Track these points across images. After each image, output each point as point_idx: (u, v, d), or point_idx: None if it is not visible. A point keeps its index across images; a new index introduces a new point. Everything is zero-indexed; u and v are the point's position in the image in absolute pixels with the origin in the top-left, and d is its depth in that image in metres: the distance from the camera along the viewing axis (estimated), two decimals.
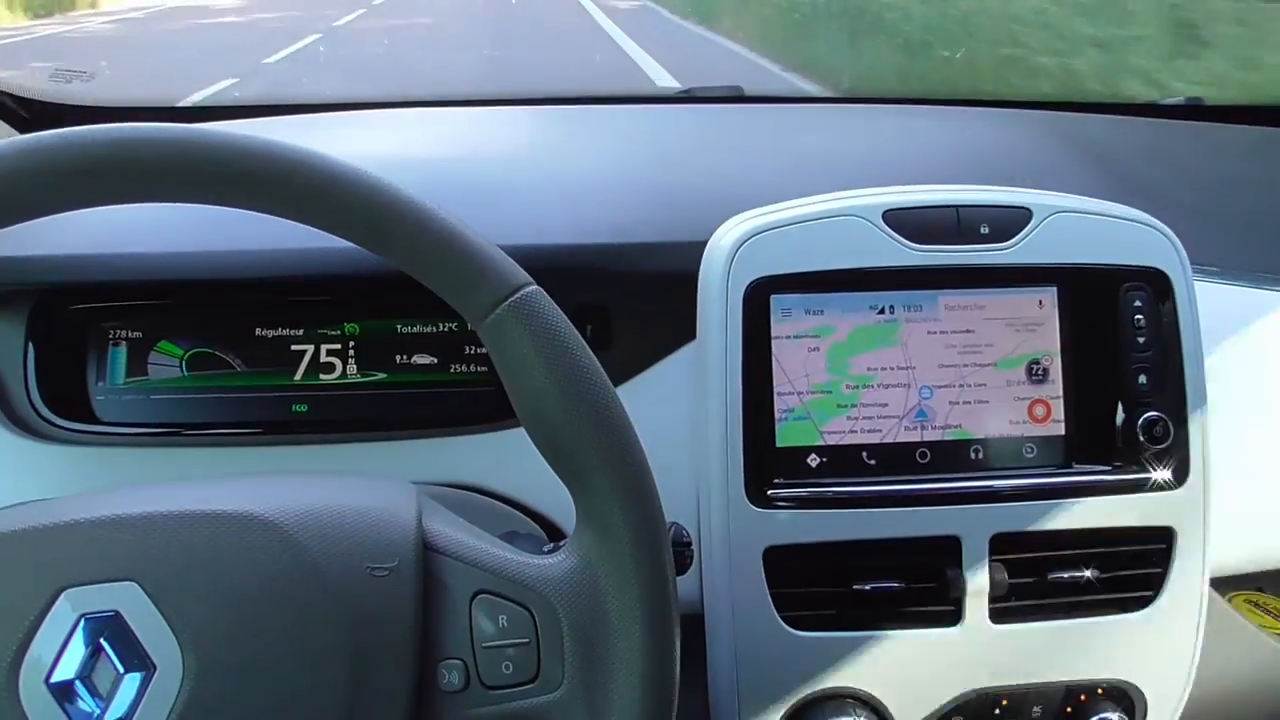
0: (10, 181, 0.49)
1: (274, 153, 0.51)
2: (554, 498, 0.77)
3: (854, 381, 0.77)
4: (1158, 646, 0.79)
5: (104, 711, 0.46)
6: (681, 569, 0.57)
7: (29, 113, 1.11)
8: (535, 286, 0.53)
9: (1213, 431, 0.78)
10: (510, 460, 0.79)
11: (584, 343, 0.53)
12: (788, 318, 0.77)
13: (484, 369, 0.86)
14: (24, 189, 0.49)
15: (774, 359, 0.76)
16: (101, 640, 0.47)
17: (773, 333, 0.76)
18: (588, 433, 0.52)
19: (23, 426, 0.80)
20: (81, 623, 0.47)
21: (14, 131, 1.09)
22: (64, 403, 0.82)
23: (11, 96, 1.11)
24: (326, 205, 0.52)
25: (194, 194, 0.52)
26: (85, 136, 0.49)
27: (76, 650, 0.47)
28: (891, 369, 0.78)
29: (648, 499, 0.53)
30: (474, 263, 0.52)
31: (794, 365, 0.77)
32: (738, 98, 1.30)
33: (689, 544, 0.62)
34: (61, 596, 0.47)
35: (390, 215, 0.52)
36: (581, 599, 0.53)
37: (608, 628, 0.52)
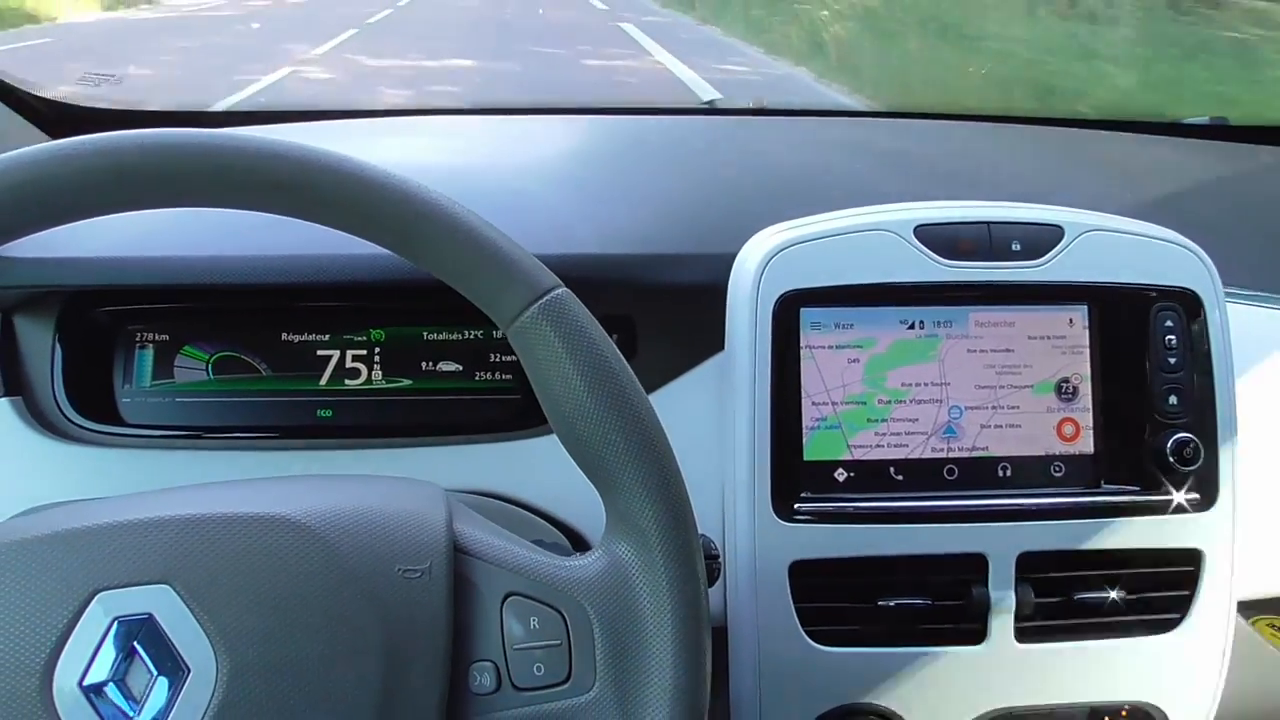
0: (43, 187, 0.49)
1: (304, 157, 0.51)
2: (578, 507, 0.77)
3: (888, 396, 0.77)
4: (1183, 669, 0.79)
5: (138, 714, 0.46)
6: (710, 582, 0.57)
7: (57, 116, 1.11)
8: (564, 289, 0.53)
9: (1242, 454, 0.78)
10: (534, 469, 0.79)
11: (614, 345, 0.53)
12: (821, 330, 0.76)
13: (509, 377, 0.86)
14: (57, 194, 0.49)
15: (815, 366, 0.76)
16: (135, 643, 0.47)
17: (812, 342, 0.76)
18: (618, 434, 0.52)
19: (50, 427, 0.80)
20: (114, 625, 0.47)
21: (43, 134, 1.09)
22: (91, 404, 0.82)
23: (40, 99, 1.11)
24: (355, 208, 0.52)
25: (224, 199, 0.52)
26: (117, 143, 0.50)
27: (109, 653, 0.46)
28: (925, 385, 0.77)
29: (679, 501, 0.53)
30: (503, 265, 0.52)
31: (832, 375, 0.76)
32: (762, 110, 1.30)
33: (716, 556, 0.61)
34: (95, 599, 0.47)
35: (419, 218, 0.52)
36: (613, 601, 0.52)
37: (640, 630, 0.52)
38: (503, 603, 0.53)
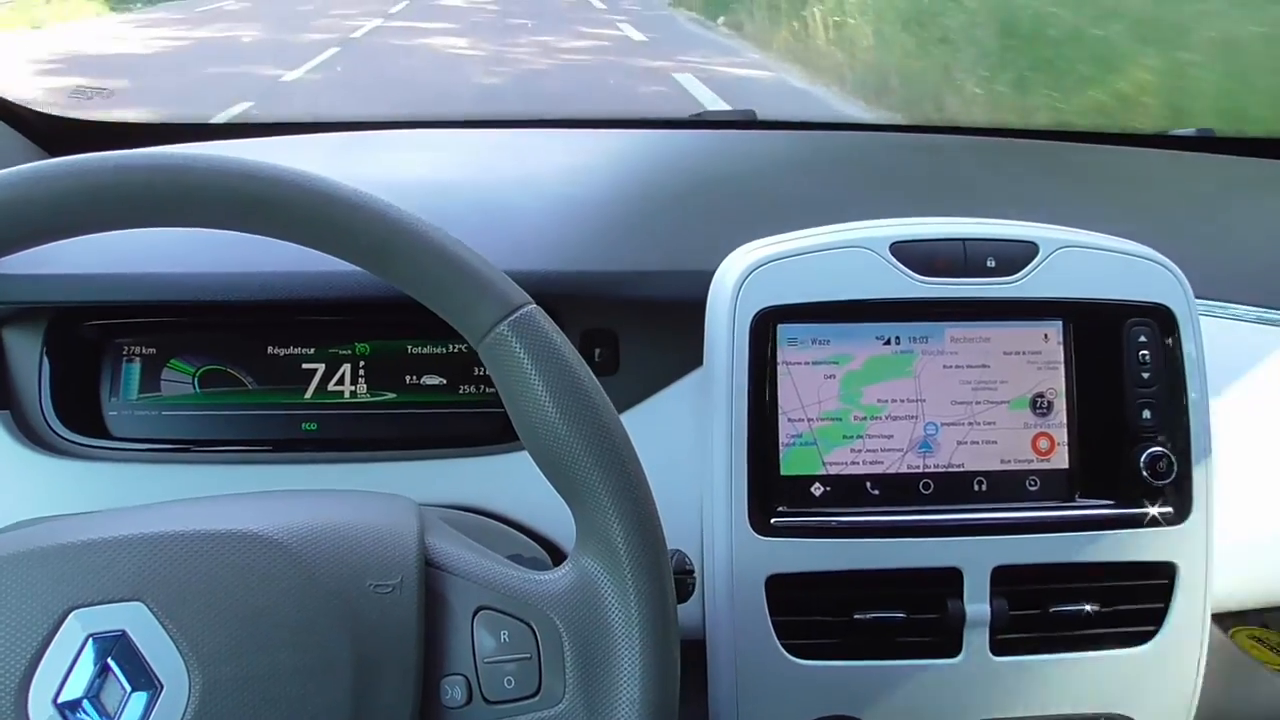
0: (17, 209, 0.50)
1: (276, 176, 0.52)
2: (558, 521, 0.77)
3: (863, 412, 0.78)
4: (1159, 681, 0.79)
5: None
6: (683, 597, 0.57)
7: (50, 129, 1.12)
8: (534, 306, 0.54)
9: (1217, 467, 0.79)
10: (517, 483, 0.80)
11: (583, 361, 0.54)
12: (797, 346, 0.77)
13: (492, 391, 0.86)
14: (31, 217, 0.50)
15: (791, 382, 0.77)
16: (109, 660, 0.47)
17: (788, 358, 0.77)
18: (587, 449, 0.52)
19: (37, 441, 0.81)
20: (89, 642, 0.48)
21: (36, 147, 1.10)
22: (78, 418, 0.83)
23: (32, 113, 1.12)
24: (327, 228, 0.52)
25: (196, 219, 0.52)
26: (91, 164, 0.50)
27: (84, 669, 0.47)
28: (901, 401, 0.78)
29: (647, 515, 0.53)
30: (472, 282, 0.53)
31: (808, 391, 0.77)
32: (750, 123, 1.30)
33: (691, 571, 0.62)
34: (70, 616, 0.48)
35: (390, 236, 0.53)
36: (582, 615, 0.53)
37: (609, 643, 0.53)
38: (473, 616, 0.53)
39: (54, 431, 0.82)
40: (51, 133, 1.12)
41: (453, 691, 0.53)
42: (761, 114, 1.29)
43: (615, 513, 0.53)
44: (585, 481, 0.53)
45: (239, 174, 0.51)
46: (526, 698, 0.53)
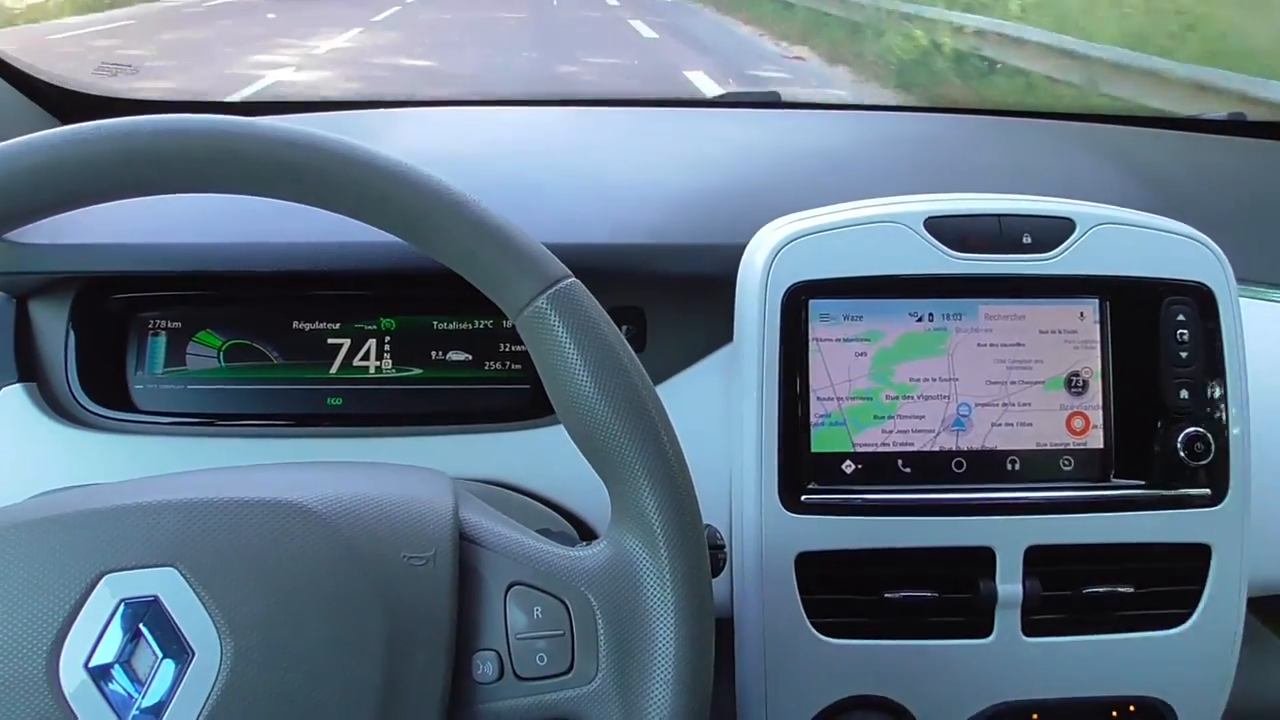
0: (56, 171, 0.50)
1: (316, 143, 0.51)
2: (586, 496, 0.78)
3: (895, 391, 0.77)
4: (1192, 663, 0.78)
5: (143, 696, 0.46)
6: (715, 572, 0.57)
7: (72, 103, 1.12)
8: (573, 279, 0.53)
9: (1253, 449, 0.77)
10: (543, 458, 0.79)
11: (622, 337, 0.53)
12: (829, 321, 0.76)
13: (518, 366, 0.86)
14: (69, 178, 0.50)
15: (821, 360, 0.76)
16: (141, 625, 0.47)
17: (819, 335, 0.76)
18: (624, 425, 0.52)
19: (63, 413, 0.81)
20: (121, 607, 0.47)
21: (58, 121, 1.10)
22: (104, 391, 0.83)
23: (54, 87, 1.12)
24: (367, 195, 0.52)
25: (235, 185, 0.52)
26: (129, 127, 0.50)
27: (115, 635, 0.47)
28: (934, 380, 0.77)
29: (685, 494, 0.53)
30: (512, 255, 0.52)
31: (838, 369, 0.76)
32: (775, 103, 1.29)
33: (722, 546, 0.61)
34: (102, 581, 0.47)
35: (430, 206, 0.52)
36: (617, 593, 0.52)
37: (643, 623, 0.52)
38: (507, 592, 0.53)
39: (80, 404, 0.82)
40: (73, 106, 1.12)
41: (484, 667, 0.52)
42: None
43: (652, 492, 0.52)
44: (623, 459, 0.52)
45: (280, 140, 0.51)
46: (558, 675, 0.52)
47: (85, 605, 0.47)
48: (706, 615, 0.53)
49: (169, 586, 0.48)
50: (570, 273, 0.53)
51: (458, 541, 0.52)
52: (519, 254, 0.53)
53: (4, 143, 0.50)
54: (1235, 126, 1.28)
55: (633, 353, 0.53)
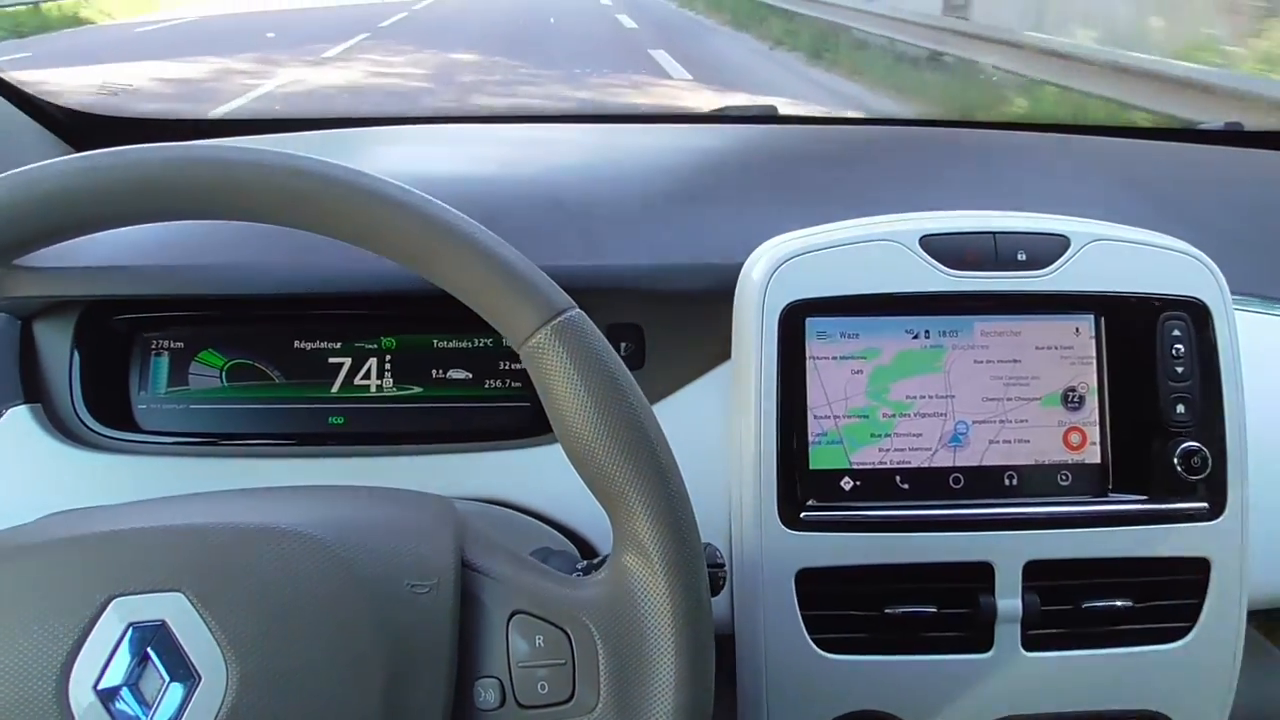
0: (69, 198, 0.51)
1: (324, 173, 0.52)
2: (586, 514, 0.78)
3: (891, 409, 0.77)
4: (1193, 678, 0.79)
5: (150, 718, 0.46)
6: (715, 590, 0.57)
7: (75, 124, 1.13)
8: (577, 310, 0.54)
9: (1251, 462, 0.78)
10: (543, 476, 0.80)
11: (624, 367, 0.54)
12: (826, 339, 0.77)
13: (518, 385, 0.86)
14: (81, 206, 0.51)
15: (817, 378, 0.77)
16: (149, 649, 0.47)
17: (816, 353, 0.77)
18: (625, 458, 0.52)
19: (67, 434, 0.81)
20: (129, 631, 0.48)
21: (62, 141, 1.11)
22: (107, 411, 0.83)
23: (59, 108, 1.13)
24: (373, 226, 0.52)
25: (243, 213, 0.53)
26: (141, 156, 0.51)
27: (124, 658, 0.47)
28: (930, 397, 0.78)
29: (685, 527, 0.53)
30: (516, 285, 0.53)
31: (835, 387, 0.77)
32: (772, 117, 1.30)
33: (722, 564, 0.62)
34: (111, 605, 0.48)
35: (435, 237, 0.52)
36: (618, 623, 0.53)
37: (644, 653, 0.52)
38: (509, 620, 0.53)
39: (83, 424, 0.82)
40: (76, 127, 1.13)
41: (485, 694, 0.52)
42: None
43: (653, 525, 0.52)
44: (624, 492, 0.52)
45: (286, 169, 0.52)
46: (560, 703, 0.53)
47: (94, 628, 0.47)
48: (707, 648, 0.53)
49: (176, 611, 0.48)
50: (573, 303, 0.54)
51: (460, 570, 0.53)
52: (522, 285, 0.53)
53: (15, 171, 0.51)
54: (1232, 137, 1.29)
55: (634, 382, 0.54)
